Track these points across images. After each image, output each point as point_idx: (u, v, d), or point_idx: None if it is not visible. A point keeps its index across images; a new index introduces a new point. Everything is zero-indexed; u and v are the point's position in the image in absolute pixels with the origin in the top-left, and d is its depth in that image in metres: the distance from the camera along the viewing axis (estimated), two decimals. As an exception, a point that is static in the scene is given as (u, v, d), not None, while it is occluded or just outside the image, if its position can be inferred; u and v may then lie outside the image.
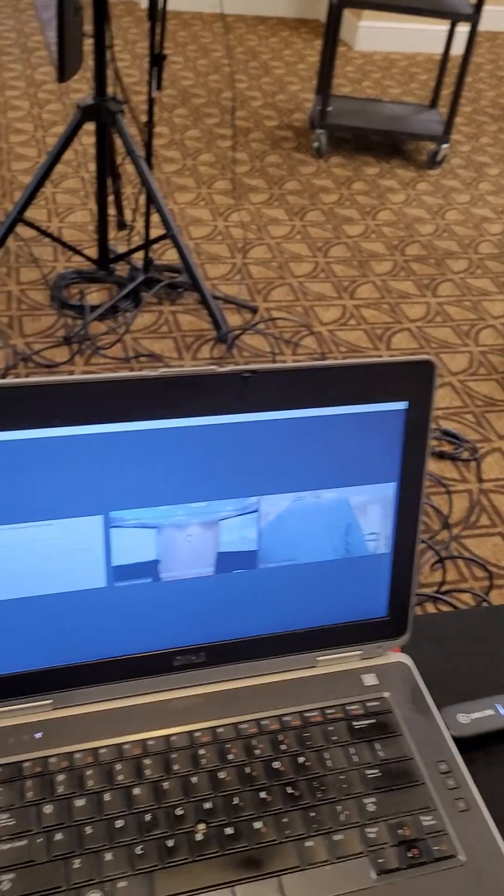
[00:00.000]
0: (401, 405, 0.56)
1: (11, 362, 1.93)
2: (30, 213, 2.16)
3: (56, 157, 1.97)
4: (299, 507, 0.57)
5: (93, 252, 2.24)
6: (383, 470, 0.58)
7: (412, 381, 0.56)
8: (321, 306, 2.29)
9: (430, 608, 1.51)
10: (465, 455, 1.86)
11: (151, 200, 2.01)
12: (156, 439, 0.53)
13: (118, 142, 2.06)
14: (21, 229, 2.10)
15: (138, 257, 2.24)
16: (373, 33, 4.13)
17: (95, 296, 2.20)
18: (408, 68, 4.05)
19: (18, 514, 0.52)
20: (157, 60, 1.78)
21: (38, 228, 2.05)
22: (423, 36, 4.15)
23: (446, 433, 1.91)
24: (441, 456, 1.85)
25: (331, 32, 2.83)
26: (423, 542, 1.57)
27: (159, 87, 1.84)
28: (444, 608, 1.50)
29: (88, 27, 1.81)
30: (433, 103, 3.19)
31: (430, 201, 2.88)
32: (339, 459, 0.57)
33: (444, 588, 1.55)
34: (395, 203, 2.84)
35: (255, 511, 0.56)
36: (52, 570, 0.54)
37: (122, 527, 0.54)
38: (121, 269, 2.27)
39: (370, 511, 0.59)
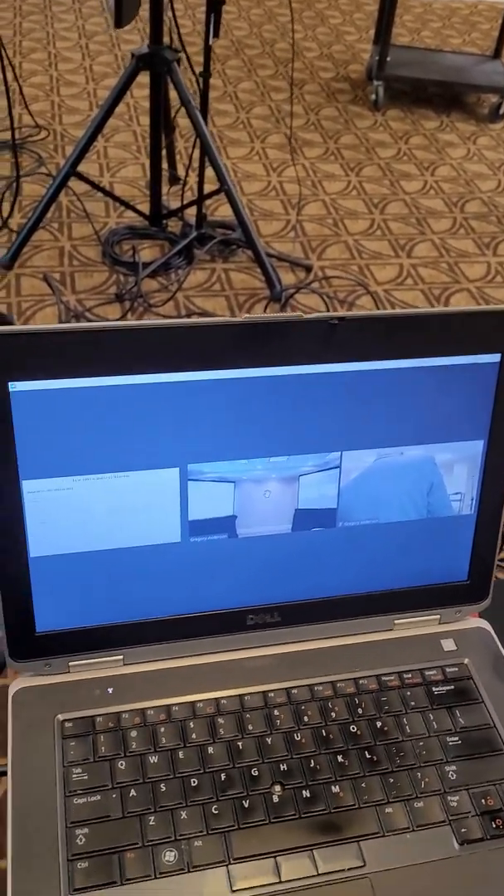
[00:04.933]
0: (493, 358, 0.53)
1: (64, 319, 1.91)
2: (82, 168, 2.13)
3: (109, 110, 1.93)
4: (382, 465, 0.55)
5: (145, 207, 2.21)
6: (471, 427, 0.55)
7: (507, 332, 0.53)
8: (377, 265, 2.23)
9: None
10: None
11: (206, 154, 1.96)
12: (236, 389, 0.50)
13: (172, 94, 2.01)
14: (73, 184, 2.07)
15: (191, 213, 2.20)
16: (432, -19, 3.97)
17: (148, 252, 2.17)
18: (469, 17, 3.89)
19: (95, 464, 0.50)
20: (215, 5, 1.72)
21: (91, 182, 2.02)
22: (486, -17, 3.99)
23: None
24: None
25: (391, -21, 2.72)
26: None
27: (216, 35, 1.78)
28: None
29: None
30: (496, 53, 3.06)
31: (492, 156, 2.78)
32: (425, 414, 0.54)
33: None
34: (455, 158, 2.74)
35: (337, 467, 0.54)
36: (128, 523, 0.52)
37: (200, 480, 0.52)
38: (173, 226, 2.23)
39: (456, 470, 0.56)
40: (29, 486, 0.50)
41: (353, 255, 2.26)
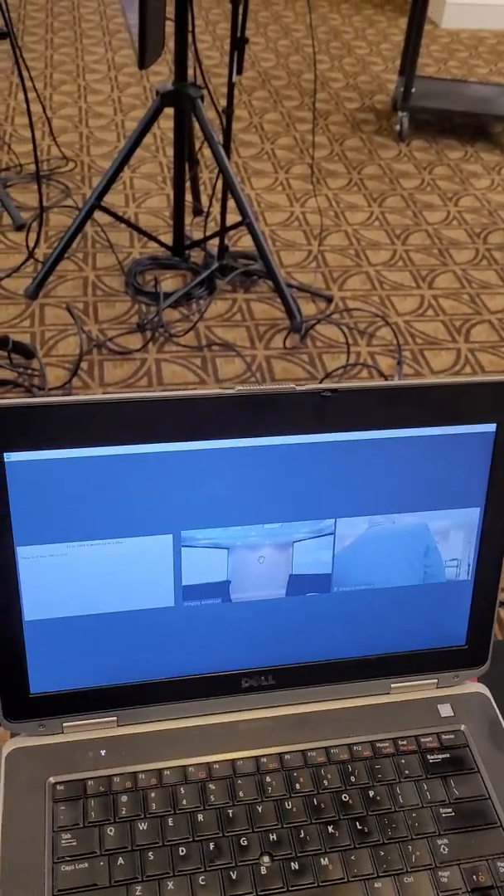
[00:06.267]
0: (489, 427, 0.53)
1: (86, 348, 1.94)
2: (107, 198, 2.17)
3: (134, 144, 1.96)
4: (377, 531, 0.55)
5: (168, 238, 2.23)
6: (467, 494, 0.55)
7: (503, 402, 0.53)
8: (398, 296, 2.24)
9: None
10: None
11: (228, 187, 1.98)
12: (230, 458, 0.51)
13: (196, 127, 2.04)
14: (98, 214, 2.11)
15: (213, 244, 2.23)
16: (460, 10, 4.00)
17: (170, 282, 2.19)
18: (496, 46, 3.91)
19: (90, 531, 0.51)
20: (238, 44, 1.75)
21: (114, 215, 2.05)
22: (513, 12, 4.00)
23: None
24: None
25: (416, 10, 2.74)
26: None
27: (239, 72, 1.81)
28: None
29: (170, 9, 1.79)
30: (522, 84, 3.07)
31: (516, 187, 2.77)
32: (420, 482, 0.54)
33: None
34: (479, 189, 2.75)
35: (331, 534, 0.54)
36: (122, 587, 0.53)
37: (194, 546, 0.52)
38: (196, 256, 2.25)
39: (452, 536, 0.56)
40: (24, 552, 0.50)
41: (374, 285, 2.27)
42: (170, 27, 1.81)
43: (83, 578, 0.52)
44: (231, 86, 1.85)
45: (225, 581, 0.54)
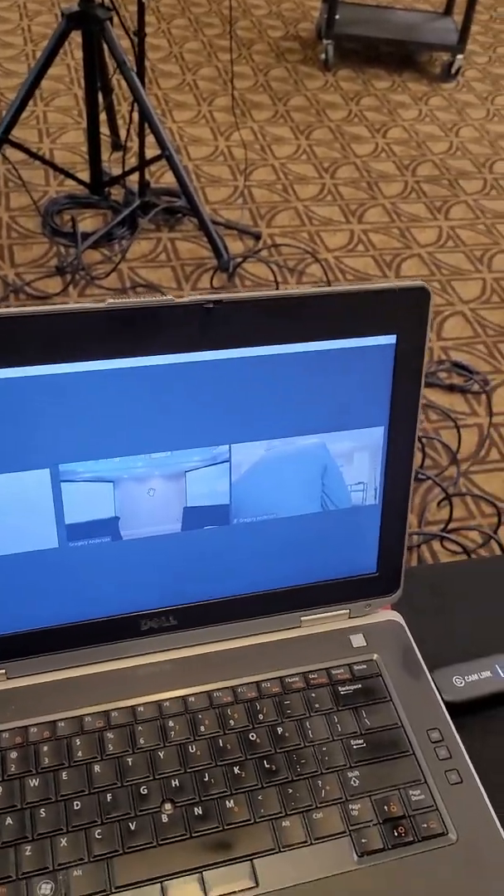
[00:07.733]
0: (389, 339, 0.49)
1: (1, 295, 1.85)
2: (20, 134, 2.05)
3: (41, 71, 1.85)
4: (275, 456, 0.51)
5: (86, 175, 2.13)
6: (370, 413, 0.51)
7: (403, 311, 0.49)
8: (327, 231, 2.18)
9: (437, 547, 1.47)
10: (476, 388, 1.78)
11: (144, 117, 1.89)
12: (107, 381, 0.46)
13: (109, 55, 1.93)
14: (10, 151, 1.99)
15: (134, 180, 2.13)
16: None
17: (90, 222, 2.10)
18: (422, -28, 3.80)
19: (-46, 468, 0.46)
20: (146, -38, 1.64)
21: (26, 150, 1.94)
22: None
23: (456, 364, 1.83)
24: (451, 388, 1.78)
25: None
26: (430, 478, 1.51)
27: (149, -7, 1.70)
28: (451, 547, 1.45)
29: None
30: (447, 10, 2.99)
31: (444, 117, 2.72)
32: (318, 402, 0.50)
33: (451, 526, 1.50)
34: (407, 119, 2.69)
35: (226, 461, 0.50)
36: (-2, 529, 0.48)
37: (74, 481, 0.48)
38: (116, 194, 2.16)
39: (356, 459, 0.53)
40: None
41: (303, 221, 2.21)
42: None
43: (-47, 521, 0.47)
44: (141, 6, 1.75)
45: (113, 517, 0.50)
